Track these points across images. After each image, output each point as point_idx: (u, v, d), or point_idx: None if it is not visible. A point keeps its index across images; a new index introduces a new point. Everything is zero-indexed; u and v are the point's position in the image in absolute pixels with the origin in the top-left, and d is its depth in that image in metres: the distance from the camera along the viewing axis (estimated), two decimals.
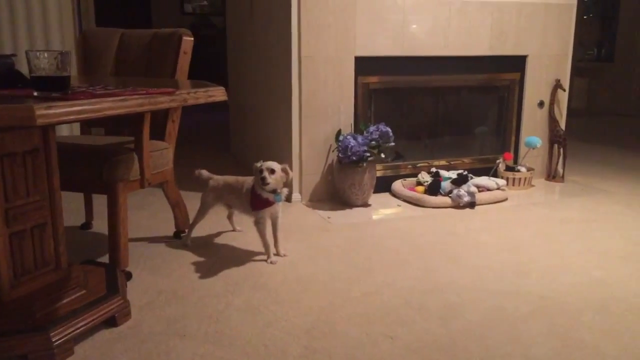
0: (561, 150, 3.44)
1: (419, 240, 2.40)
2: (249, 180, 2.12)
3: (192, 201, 2.47)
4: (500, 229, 2.57)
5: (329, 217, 2.71)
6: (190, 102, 1.53)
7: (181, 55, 2.24)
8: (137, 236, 2.40)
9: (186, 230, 2.36)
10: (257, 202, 2.08)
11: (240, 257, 2.18)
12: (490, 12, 3.18)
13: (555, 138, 3.44)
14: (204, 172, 2.27)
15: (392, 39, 3.02)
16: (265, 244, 2.13)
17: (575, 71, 6.76)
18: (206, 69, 8.05)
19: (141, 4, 8.24)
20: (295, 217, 2.71)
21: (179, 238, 2.37)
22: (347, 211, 2.83)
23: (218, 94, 1.59)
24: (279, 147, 3.14)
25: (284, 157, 3.02)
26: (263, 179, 2.00)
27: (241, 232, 2.46)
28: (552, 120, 3.44)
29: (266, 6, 3.21)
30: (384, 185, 3.17)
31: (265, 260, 2.13)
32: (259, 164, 2.04)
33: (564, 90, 3.43)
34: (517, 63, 3.36)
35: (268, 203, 2.08)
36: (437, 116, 3.52)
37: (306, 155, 2.97)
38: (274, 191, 2.06)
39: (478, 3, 3.15)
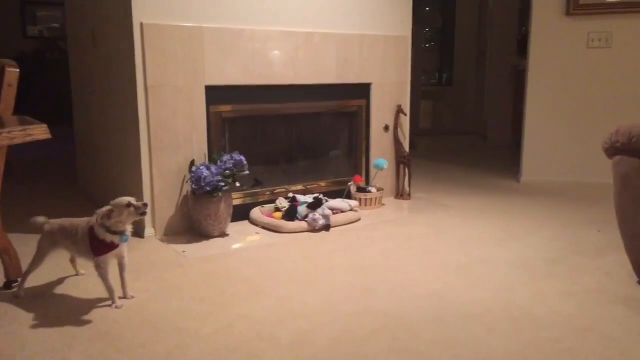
0: (406, 170, 3.71)
1: (275, 268, 2.42)
2: (85, 222, 1.98)
3: (26, 246, 2.24)
4: (353, 250, 2.69)
5: (183, 251, 2.62)
6: (4, 143, 1.40)
7: (5, 89, 2.05)
8: None
9: (19, 280, 2.13)
10: (101, 247, 1.94)
11: (82, 305, 2.02)
12: (335, 43, 3.36)
13: (400, 159, 3.70)
14: (40, 219, 2.08)
15: (243, 68, 3.05)
16: (110, 289, 1.99)
17: (422, 95, 7.38)
18: (53, 94, 7.47)
19: None
20: (148, 254, 2.59)
21: (10, 289, 2.13)
22: (204, 243, 2.77)
23: (38, 132, 1.48)
24: (129, 180, 2.99)
25: (135, 190, 2.88)
26: (143, 213, 1.94)
27: (84, 275, 2.28)
28: (397, 143, 3.70)
29: (109, 33, 3.07)
30: (243, 213, 3.16)
31: (110, 306, 1.99)
32: (124, 201, 1.92)
33: (405, 115, 3.72)
34: (362, 90, 3.57)
35: (113, 246, 1.96)
36: (293, 142, 3.61)
37: (159, 187, 2.86)
38: (121, 232, 1.96)
39: (322, 35, 3.31)
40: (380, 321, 1.90)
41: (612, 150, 2.22)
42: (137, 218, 1.98)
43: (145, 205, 1.96)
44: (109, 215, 1.91)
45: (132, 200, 1.96)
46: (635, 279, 2.25)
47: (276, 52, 3.15)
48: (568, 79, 4.11)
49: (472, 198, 3.79)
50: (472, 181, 4.37)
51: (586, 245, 2.74)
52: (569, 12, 3.99)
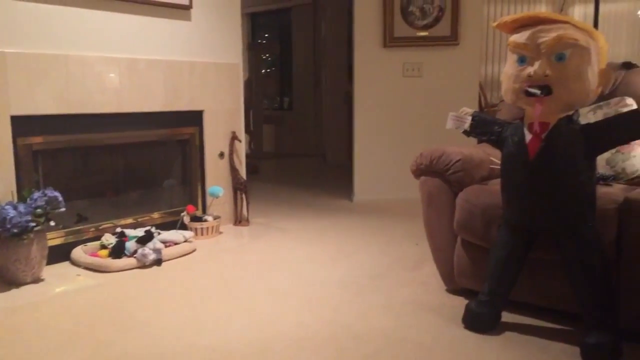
0: (243, 195, 3.71)
1: (95, 313, 2.24)
2: None
3: None
4: (184, 284, 2.59)
5: None
6: None
7: None
8: None
9: None
10: None
11: None
12: (162, 70, 3.27)
13: (237, 185, 3.69)
14: None
15: (57, 96, 2.81)
16: None
17: (264, 119, 7.50)
18: None
19: None
20: None
21: None
22: (13, 292, 2.47)
23: None
24: None
25: None
26: None
27: None
28: (233, 169, 3.69)
29: None
30: (65, 254, 2.89)
31: None
32: None
33: (240, 141, 3.73)
34: (194, 118, 3.51)
35: None
36: (121, 173, 3.41)
37: None
38: None
39: (147, 61, 3.19)
40: (207, 358, 1.85)
41: (418, 172, 2.45)
42: None
43: None
44: None
45: None
46: (445, 287, 2.49)
47: (96, 78, 2.96)
48: (388, 105, 4.48)
49: (309, 219, 3.91)
50: (310, 202, 4.51)
51: (406, 258, 2.98)
52: (385, 44, 4.36)
